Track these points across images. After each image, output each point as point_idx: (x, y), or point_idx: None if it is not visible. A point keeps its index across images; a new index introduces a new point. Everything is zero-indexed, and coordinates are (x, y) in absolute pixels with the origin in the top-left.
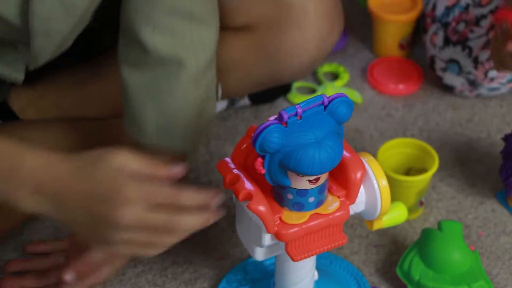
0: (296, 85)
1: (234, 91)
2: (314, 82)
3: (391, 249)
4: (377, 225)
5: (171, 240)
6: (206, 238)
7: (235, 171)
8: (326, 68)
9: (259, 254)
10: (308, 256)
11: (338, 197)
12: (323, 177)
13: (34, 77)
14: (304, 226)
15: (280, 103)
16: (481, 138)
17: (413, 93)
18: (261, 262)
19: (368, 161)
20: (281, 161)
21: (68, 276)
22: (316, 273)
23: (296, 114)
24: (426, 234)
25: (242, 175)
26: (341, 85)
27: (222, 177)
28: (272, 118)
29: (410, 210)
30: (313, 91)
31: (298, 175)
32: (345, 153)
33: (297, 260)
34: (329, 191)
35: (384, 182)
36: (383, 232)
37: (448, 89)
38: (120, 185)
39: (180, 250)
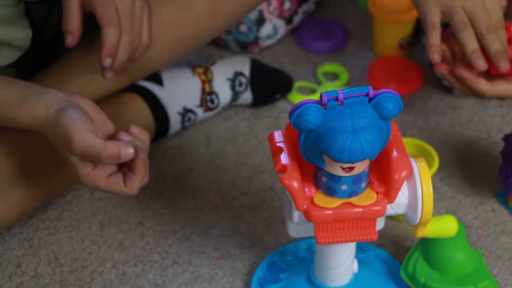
0: (296, 85)
1: (234, 14)
2: (314, 82)
3: (391, 249)
4: (420, 233)
5: None
6: (206, 238)
7: (281, 144)
8: (326, 68)
9: (292, 230)
10: (333, 242)
11: (377, 193)
12: (359, 168)
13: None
14: (332, 212)
15: (281, 103)
16: (481, 138)
17: (413, 93)
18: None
19: (419, 166)
20: (315, 141)
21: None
22: (356, 265)
23: (336, 99)
24: None
25: (286, 149)
26: (341, 85)
27: (221, 177)
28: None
29: None
30: (313, 91)
31: (330, 159)
32: (394, 152)
33: (321, 244)
34: (370, 185)
35: (428, 190)
36: (383, 232)
37: (448, 90)
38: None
39: (180, 250)
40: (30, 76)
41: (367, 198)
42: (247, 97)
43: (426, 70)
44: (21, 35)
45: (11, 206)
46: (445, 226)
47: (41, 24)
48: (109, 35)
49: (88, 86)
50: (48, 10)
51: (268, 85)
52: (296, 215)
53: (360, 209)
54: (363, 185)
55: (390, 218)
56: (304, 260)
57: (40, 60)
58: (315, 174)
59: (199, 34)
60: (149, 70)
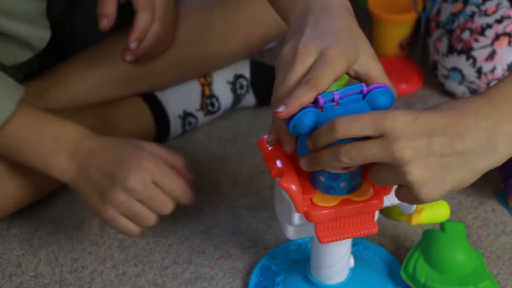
0: None
1: (247, 43)
2: None
3: (391, 249)
4: (415, 220)
5: (153, 217)
6: (206, 238)
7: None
8: None
9: (290, 233)
10: (336, 240)
11: (373, 186)
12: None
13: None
14: (333, 210)
15: None
16: None
17: (413, 93)
18: (304, 244)
19: None
20: None
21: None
22: (352, 260)
23: (332, 100)
24: (429, 235)
25: (278, 153)
26: (341, 85)
27: (221, 177)
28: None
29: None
30: None
31: None
32: None
33: (324, 243)
34: (366, 179)
35: None
36: (383, 232)
37: (449, 95)
38: (140, 154)
39: (180, 250)
40: (32, 79)
41: (364, 192)
42: (250, 99)
43: (426, 70)
44: (41, 35)
45: (7, 195)
46: (437, 212)
47: (57, 25)
48: (143, 20)
49: (94, 89)
50: (66, 11)
51: (270, 85)
52: (296, 217)
53: (360, 204)
54: (360, 179)
55: (390, 218)
56: (295, 261)
57: (45, 64)
58: (310, 174)
59: (210, 56)
60: (156, 84)
